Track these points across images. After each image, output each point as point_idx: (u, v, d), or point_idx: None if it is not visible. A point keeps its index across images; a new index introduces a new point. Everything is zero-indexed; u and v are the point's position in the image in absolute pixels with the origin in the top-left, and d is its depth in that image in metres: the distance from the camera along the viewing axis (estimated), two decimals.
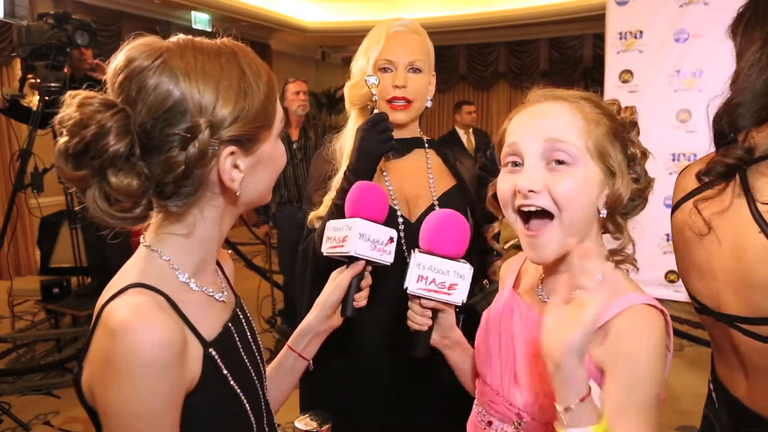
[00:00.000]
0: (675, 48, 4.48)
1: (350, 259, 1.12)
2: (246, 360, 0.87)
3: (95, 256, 3.83)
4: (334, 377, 1.43)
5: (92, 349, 0.72)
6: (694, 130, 4.40)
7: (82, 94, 0.71)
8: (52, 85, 3.25)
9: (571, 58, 8.64)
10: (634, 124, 0.95)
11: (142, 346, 0.67)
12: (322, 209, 1.41)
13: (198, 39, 0.78)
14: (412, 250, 1.06)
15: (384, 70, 1.44)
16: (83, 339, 3.73)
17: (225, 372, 0.80)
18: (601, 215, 0.90)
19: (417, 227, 1.41)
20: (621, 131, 0.92)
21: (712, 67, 4.22)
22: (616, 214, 0.90)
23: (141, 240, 0.81)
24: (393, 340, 1.35)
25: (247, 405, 0.83)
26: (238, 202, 0.82)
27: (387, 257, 1.12)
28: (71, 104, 0.71)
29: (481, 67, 9.33)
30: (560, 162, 0.86)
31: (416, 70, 1.44)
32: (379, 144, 1.31)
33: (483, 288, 1.50)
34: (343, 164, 1.42)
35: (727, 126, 1.03)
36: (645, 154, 0.94)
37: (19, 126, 3.62)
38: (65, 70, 3.32)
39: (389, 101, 1.44)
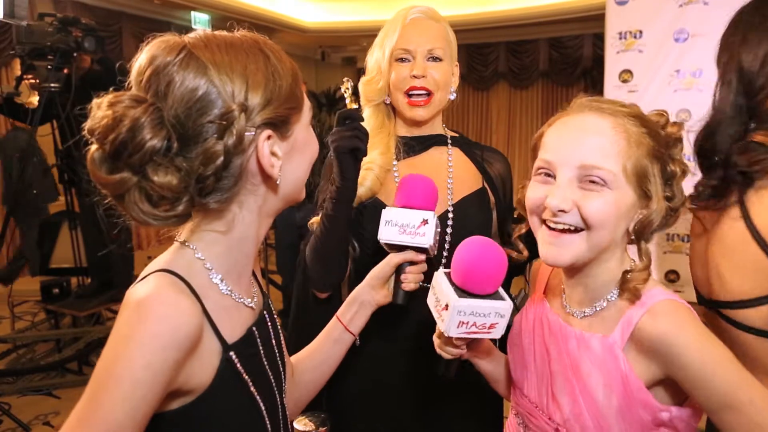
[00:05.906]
0: (675, 48, 4.47)
1: (393, 247, 1.14)
2: (266, 365, 0.84)
3: (95, 256, 3.82)
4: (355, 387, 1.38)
5: (112, 331, 0.70)
6: (694, 129, 4.40)
7: (109, 96, 0.69)
8: (53, 85, 3.24)
9: (570, 58, 8.62)
10: (678, 141, 0.91)
11: (153, 317, 0.66)
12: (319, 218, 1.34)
13: (217, 32, 0.77)
14: (436, 272, 0.99)
15: (401, 60, 1.34)
16: (84, 339, 3.74)
17: (246, 377, 0.78)
18: (632, 237, 0.89)
19: None
20: (662, 150, 0.88)
21: (711, 67, 4.12)
22: (642, 239, 0.88)
23: (177, 238, 0.79)
24: (414, 359, 1.32)
25: (264, 412, 0.81)
26: (278, 193, 0.80)
27: (421, 239, 1.10)
28: (99, 108, 0.69)
29: (480, 67, 9.32)
30: (594, 182, 0.85)
31: (436, 58, 1.33)
32: (343, 140, 1.17)
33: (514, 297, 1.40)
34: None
35: (708, 150, 1.10)
36: (684, 171, 0.90)
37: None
38: (65, 71, 3.32)
39: (408, 94, 1.33)
